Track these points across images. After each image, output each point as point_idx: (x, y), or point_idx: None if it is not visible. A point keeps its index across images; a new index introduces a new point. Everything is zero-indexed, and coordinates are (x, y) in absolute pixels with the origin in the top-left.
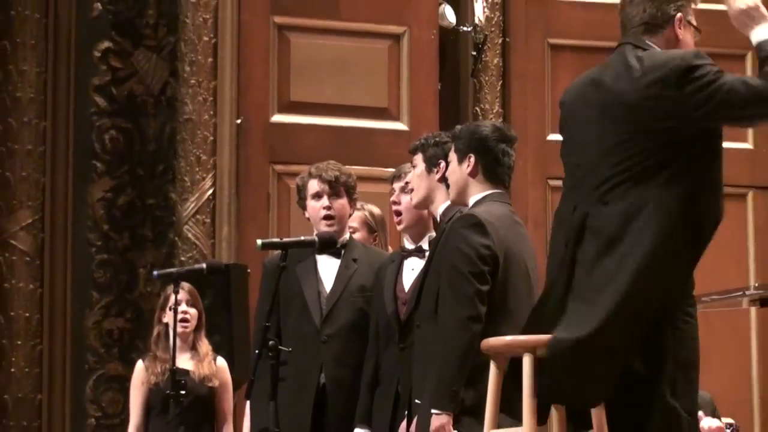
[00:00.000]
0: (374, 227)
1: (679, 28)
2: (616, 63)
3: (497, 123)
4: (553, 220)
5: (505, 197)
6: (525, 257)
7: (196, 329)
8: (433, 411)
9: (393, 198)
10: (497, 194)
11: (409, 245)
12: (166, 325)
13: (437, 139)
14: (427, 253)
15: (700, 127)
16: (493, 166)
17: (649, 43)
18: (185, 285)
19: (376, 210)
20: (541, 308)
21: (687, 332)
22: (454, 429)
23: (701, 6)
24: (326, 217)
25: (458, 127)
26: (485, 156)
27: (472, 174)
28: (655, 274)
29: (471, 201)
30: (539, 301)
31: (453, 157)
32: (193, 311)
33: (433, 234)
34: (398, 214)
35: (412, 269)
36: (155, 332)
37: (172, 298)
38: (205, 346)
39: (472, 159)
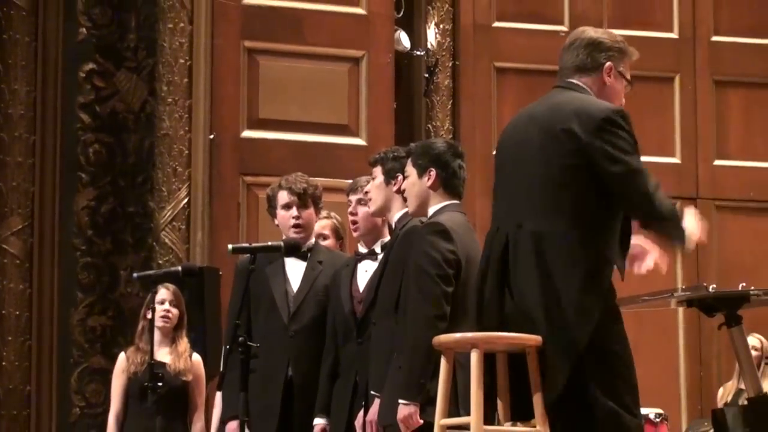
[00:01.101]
0: (342, 234)
1: (608, 76)
2: (546, 101)
3: (448, 140)
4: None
5: (460, 207)
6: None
7: (177, 327)
8: (401, 401)
9: (350, 209)
10: (454, 205)
11: (362, 249)
12: (150, 321)
13: (396, 153)
14: (380, 256)
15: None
16: (451, 180)
17: (579, 83)
18: (170, 286)
19: (340, 218)
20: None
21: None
22: (420, 418)
23: (632, 32)
24: (295, 226)
25: (413, 144)
26: (445, 170)
27: (433, 187)
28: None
29: (431, 210)
30: (479, 305)
31: (412, 171)
32: (175, 311)
33: (387, 239)
34: (354, 223)
35: (365, 271)
36: (140, 327)
37: (157, 297)
38: (184, 343)
39: (433, 173)
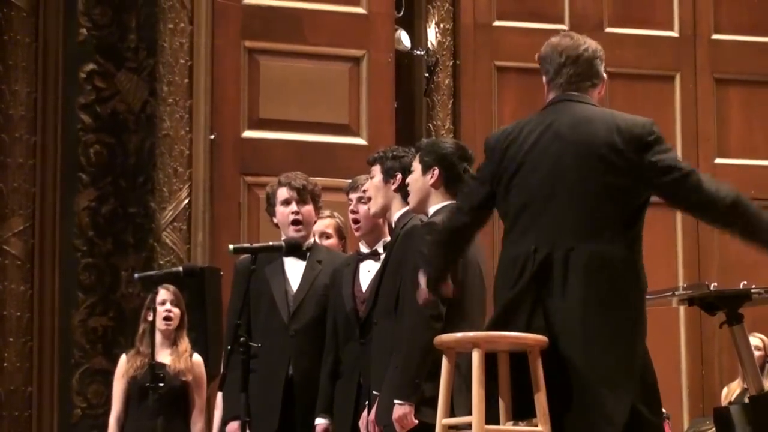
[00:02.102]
0: (344, 234)
1: (602, 87)
2: (571, 116)
3: (459, 142)
4: (505, 256)
5: None
6: (479, 261)
7: (178, 327)
8: (396, 401)
9: (351, 208)
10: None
11: (364, 249)
12: (151, 322)
13: (395, 152)
14: (382, 256)
15: (648, 194)
16: (454, 181)
17: (588, 97)
18: (170, 287)
19: (343, 218)
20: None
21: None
22: (415, 418)
23: (632, 31)
24: (294, 222)
25: (423, 140)
26: (448, 170)
27: (435, 186)
28: None
29: (431, 210)
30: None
31: (417, 167)
32: (176, 311)
33: (388, 239)
34: (356, 222)
35: (368, 271)
36: (140, 329)
37: (158, 298)
38: (184, 343)
39: (436, 172)
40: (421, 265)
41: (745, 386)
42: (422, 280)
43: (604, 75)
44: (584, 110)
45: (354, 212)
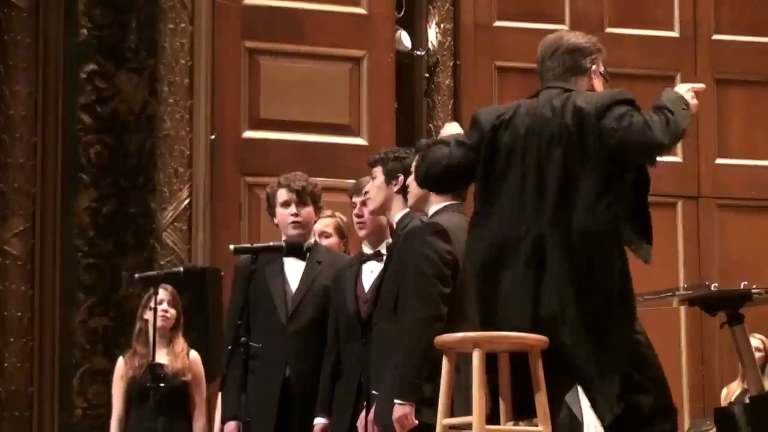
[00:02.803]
0: (345, 233)
1: (592, 77)
2: (553, 101)
3: None
4: (483, 236)
5: (461, 208)
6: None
7: (174, 328)
8: (396, 401)
9: (356, 211)
10: (456, 205)
11: (368, 250)
12: (147, 321)
13: (397, 154)
14: (384, 257)
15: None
16: None
17: (572, 86)
18: (167, 287)
19: (345, 218)
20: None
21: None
22: (415, 418)
23: (633, 31)
24: (294, 224)
25: (423, 140)
26: None
27: None
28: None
29: (431, 210)
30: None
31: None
32: (172, 311)
33: (390, 240)
34: (360, 224)
35: (371, 272)
36: (137, 328)
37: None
38: (180, 343)
39: None
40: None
41: (745, 387)
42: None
43: (593, 66)
44: (563, 95)
45: (359, 216)
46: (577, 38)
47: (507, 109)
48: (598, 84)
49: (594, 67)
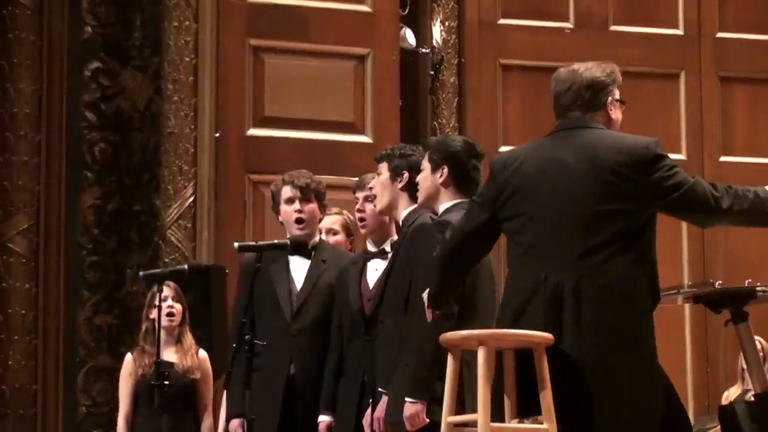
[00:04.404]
0: (352, 231)
1: (610, 110)
2: (575, 143)
3: (468, 139)
4: (512, 281)
5: None
6: (489, 260)
7: (181, 324)
8: (408, 399)
9: (358, 206)
10: (465, 203)
11: (372, 248)
12: (153, 320)
13: (402, 151)
14: (389, 255)
15: (654, 211)
16: (463, 179)
17: (591, 121)
18: (171, 283)
19: (352, 216)
20: None
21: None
22: (426, 416)
23: (637, 29)
24: (298, 220)
25: (432, 138)
26: (457, 169)
27: (444, 184)
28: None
29: (441, 208)
30: None
31: (426, 165)
32: (178, 306)
33: (395, 237)
34: (362, 220)
35: (375, 269)
36: (143, 328)
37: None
38: (189, 339)
39: (445, 170)
40: (426, 281)
41: (746, 388)
42: (425, 297)
43: (608, 99)
44: (586, 135)
45: (360, 211)
46: (592, 72)
47: (520, 152)
48: (615, 114)
49: (610, 99)
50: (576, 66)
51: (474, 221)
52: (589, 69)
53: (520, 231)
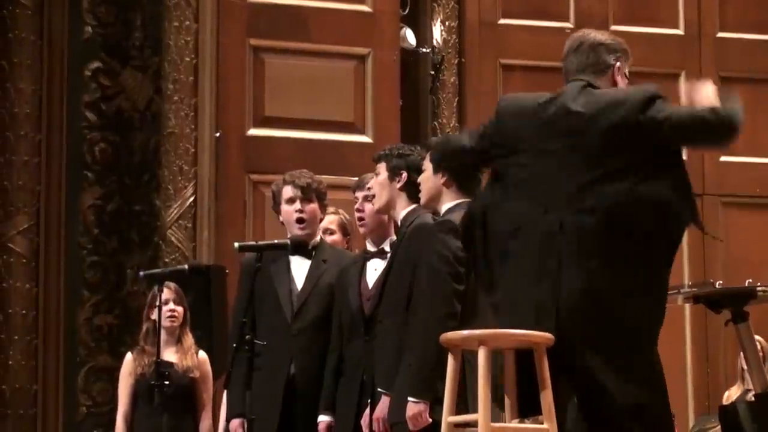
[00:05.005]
0: (349, 230)
1: (617, 76)
2: (577, 93)
3: None
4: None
5: None
6: None
7: (182, 325)
8: (410, 399)
9: (357, 206)
10: (468, 203)
11: (371, 248)
12: (154, 321)
13: (401, 151)
14: (388, 255)
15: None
16: (465, 178)
17: (596, 82)
18: (172, 285)
19: (348, 216)
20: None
21: None
22: (429, 416)
23: (637, 29)
24: (299, 220)
25: (433, 138)
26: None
27: (447, 184)
28: None
29: (443, 208)
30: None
31: (428, 166)
32: (179, 309)
33: (394, 237)
34: (362, 219)
35: (375, 269)
36: (144, 328)
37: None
38: (189, 340)
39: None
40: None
41: (746, 388)
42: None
43: (617, 64)
44: (592, 92)
45: (360, 210)
46: (603, 35)
47: (527, 100)
48: (621, 82)
49: (618, 64)
50: (588, 30)
51: (468, 139)
52: (601, 33)
53: (517, 165)
